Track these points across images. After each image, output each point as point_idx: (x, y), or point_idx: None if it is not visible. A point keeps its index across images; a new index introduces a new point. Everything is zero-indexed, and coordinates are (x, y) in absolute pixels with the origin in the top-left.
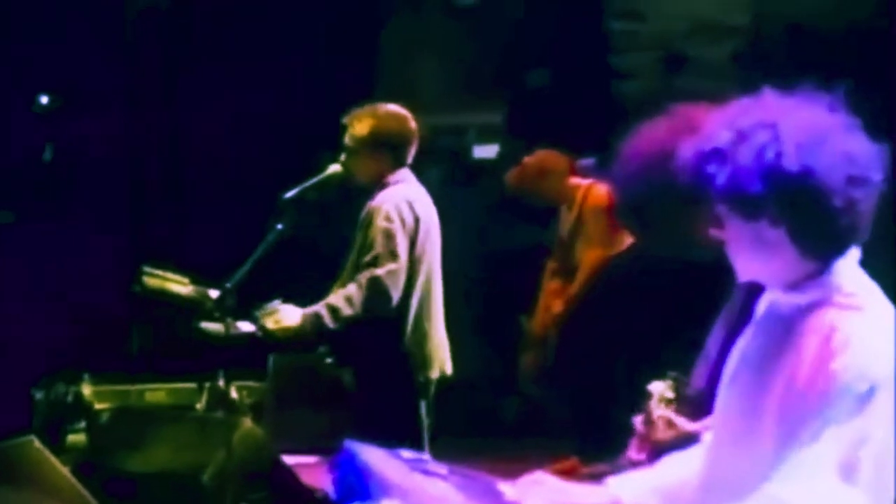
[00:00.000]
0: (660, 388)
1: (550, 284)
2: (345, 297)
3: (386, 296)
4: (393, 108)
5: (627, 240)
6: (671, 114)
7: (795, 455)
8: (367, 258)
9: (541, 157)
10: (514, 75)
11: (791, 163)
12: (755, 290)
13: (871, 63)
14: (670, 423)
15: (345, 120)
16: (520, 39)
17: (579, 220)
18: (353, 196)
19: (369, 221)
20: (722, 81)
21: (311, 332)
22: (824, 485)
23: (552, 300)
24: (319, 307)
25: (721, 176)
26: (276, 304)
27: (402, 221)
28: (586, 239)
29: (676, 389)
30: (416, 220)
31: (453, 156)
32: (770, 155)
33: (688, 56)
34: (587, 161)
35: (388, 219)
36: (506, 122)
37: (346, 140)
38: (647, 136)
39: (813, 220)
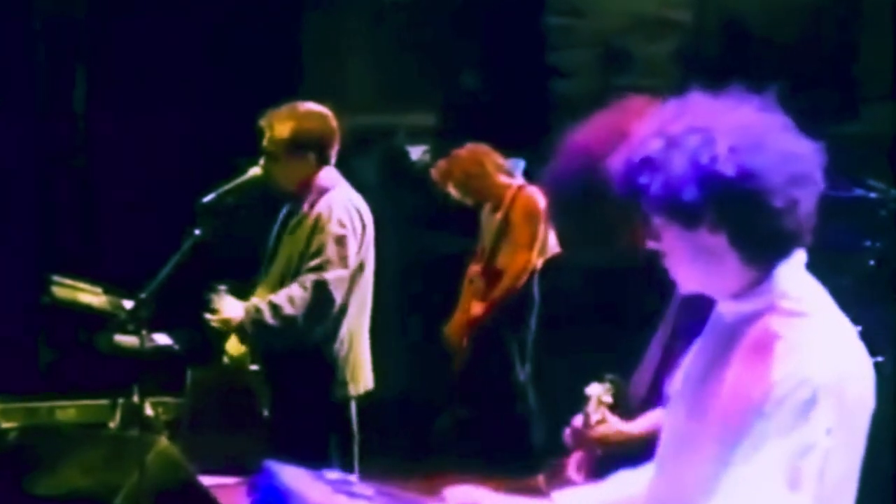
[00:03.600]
0: (598, 391)
1: (470, 289)
2: (287, 297)
3: (330, 301)
4: (313, 106)
5: (555, 246)
6: (608, 112)
7: (739, 467)
8: (315, 262)
9: (472, 149)
10: (448, 74)
11: (727, 166)
12: (694, 296)
13: (808, 64)
14: (607, 424)
15: (262, 122)
16: (453, 36)
17: (506, 223)
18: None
19: (319, 226)
20: (664, 79)
21: (250, 326)
22: (770, 496)
23: (473, 305)
24: (260, 302)
25: (655, 185)
26: (223, 291)
27: (353, 229)
28: (513, 243)
29: (614, 392)
30: (364, 228)
31: (385, 158)
32: (704, 160)
33: (628, 53)
34: (513, 161)
35: (342, 224)
36: (439, 122)
37: (266, 143)
38: (581, 136)
39: (754, 223)
